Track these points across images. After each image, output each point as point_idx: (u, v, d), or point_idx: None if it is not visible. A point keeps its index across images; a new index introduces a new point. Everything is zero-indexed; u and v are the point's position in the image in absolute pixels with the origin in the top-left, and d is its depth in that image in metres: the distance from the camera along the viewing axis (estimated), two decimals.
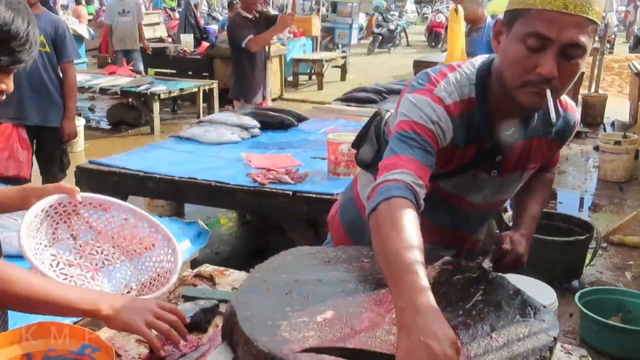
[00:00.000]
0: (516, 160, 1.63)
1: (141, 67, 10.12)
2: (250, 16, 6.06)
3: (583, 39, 1.36)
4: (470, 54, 5.45)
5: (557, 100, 1.60)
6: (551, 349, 1.27)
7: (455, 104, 1.50)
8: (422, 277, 1.17)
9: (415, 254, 1.21)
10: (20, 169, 4.27)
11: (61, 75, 4.50)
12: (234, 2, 12.25)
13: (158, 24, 13.81)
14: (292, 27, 12.26)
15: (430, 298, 1.13)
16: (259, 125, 5.06)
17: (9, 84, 1.33)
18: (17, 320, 1.78)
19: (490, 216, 1.93)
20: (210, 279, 1.81)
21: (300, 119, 5.42)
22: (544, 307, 1.41)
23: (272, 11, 6.19)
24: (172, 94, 8.85)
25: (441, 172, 1.58)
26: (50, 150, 4.57)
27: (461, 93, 1.52)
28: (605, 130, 8.81)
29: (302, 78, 13.25)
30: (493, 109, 1.53)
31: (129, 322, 1.31)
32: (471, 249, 1.89)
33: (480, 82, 1.53)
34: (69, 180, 4.43)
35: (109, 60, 10.52)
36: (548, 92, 1.39)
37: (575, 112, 1.70)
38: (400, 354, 1.07)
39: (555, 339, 1.29)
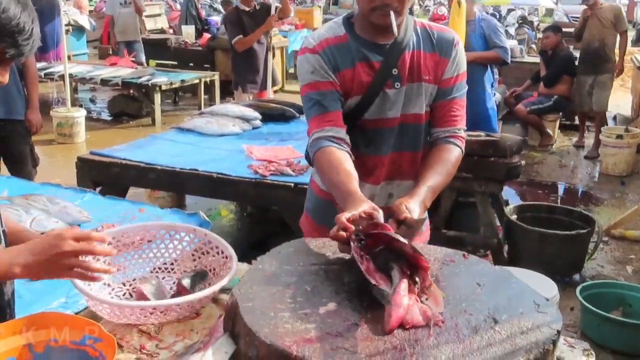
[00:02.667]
0: (409, 70, 1.92)
1: (143, 58, 10.09)
2: (248, 9, 6.05)
3: None
4: (470, 48, 5.41)
5: (429, 26, 1.99)
6: (554, 342, 1.26)
7: (319, 43, 1.90)
8: (351, 188, 1.68)
9: (342, 177, 1.73)
10: None
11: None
12: None
13: (159, 15, 13.77)
14: (293, 19, 12.22)
15: (357, 196, 1.63)
16: (260, 116, 5.05)
17: (5, 76, 1.37)
18: (21, 311, 1.78)
19: (418, 134, 2.01)
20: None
21: (302, 110, 5.40)
22: (547, 300, 1.41)
23: (274, 2, 6.15)
24: (174, 86, 8.84)
25: (360, 102, 1.92)
26: (20, 147, 4.21)
27: (332, 33, 1.93)
28: (607, 124, 8.78)
29: None
30: (363, 35, 1.92)
31: (50, 277, 1.33)
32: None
33: (346, 21, 1.96)
34: (69, 172, 4.42)
35: (111, 52, 10.49)
36: (391, 14, 1.80)
37: (450, 33, 2.00)
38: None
39: (558, 332, 1.29)
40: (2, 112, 4.08)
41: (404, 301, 1.26)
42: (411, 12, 2.12)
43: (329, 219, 1.56)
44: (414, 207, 1.67)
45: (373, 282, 1.32)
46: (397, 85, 1.92)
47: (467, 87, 2.03)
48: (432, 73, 1.95)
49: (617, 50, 7.61)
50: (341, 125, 1.88)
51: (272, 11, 6.11)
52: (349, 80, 1.91)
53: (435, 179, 1.84)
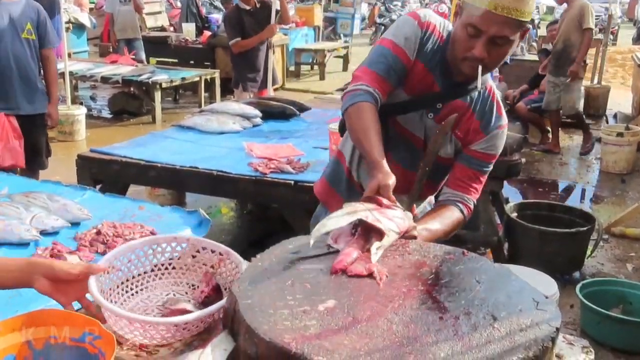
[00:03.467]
0: (449, 114, 1.93)
1: (143, 56, 10.09)
2: (248, 7, 6.04)
3: (507, 33, 1.77)
4: None
5: (495, 97, 2.01)
6: (553, 340, 1.26)
7: (431, 23, 1.93)
8: (378, 142, 1.78)
9: (373, 132, 1.80)
10: (17, 158, 4.26)
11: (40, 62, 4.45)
12: None
13: (160, 12, 13.75)
14: (294, 17, 12.21)
15: (380, 155, 1.74)
16: (260, 114, 5.04)
17: None
18: (20, 308, 1.78)
19: (440, 172, 2.06)
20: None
21: (302, 108, 5.40)
22: (546, 297, 1.41)
23: (275, 4, 6.12)
24: (174, 83, 8.84)
25: (400, 102, 1.96)
26: (37, 139, 4.53)
27: (441, 26, 1.94)
28: (607, 122, 8.79)
29: (304, 68, 13.20)
30: (449, 57, 1.92)
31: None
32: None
33: (450, 33, 1.94)
34: (69, 170, 4.43)
35: (111, 49, 10.48)
36: (479, 69, 1.84)
37: (503, 116, 2.02)
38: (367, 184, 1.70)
39: (557, 329, 1.29)
40: (29, 108, 4.37)
41: (352, 253, 1.45)
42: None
43: (339, 183, 2.10)
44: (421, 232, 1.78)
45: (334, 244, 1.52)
46: (430, 116, 1.98)
47: (491, 168, 2.08)
48: (464, 133, 1.99)
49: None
50: (384, 95, 1.91)
51: (273, 14, 6.08)
52: (417, 73, 1.94)
53: (434, 225, 1.90)
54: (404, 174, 1.90)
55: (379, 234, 1.53)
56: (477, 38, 1.79)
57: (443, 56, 1.94)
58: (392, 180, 1.67)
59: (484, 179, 2.07)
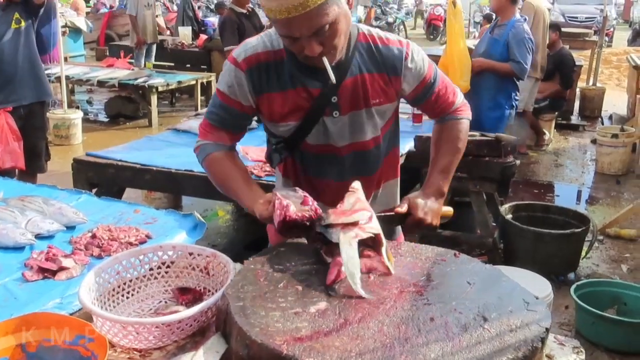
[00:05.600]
0: (353, 98, 1.80)
1: (151, 60, 10.12)
2: (244, 11, 6.03)
3: (316, 23, 1.58)
4: (488, 54, 5.22)
5: (373, 39, 1.82)
6: (543, 340, 1.27)
7: (247, 59, 1.76)
8: (246, 184, 1.84)
9: (236, 177, 1.85)
10: (17, 160, 4.27)
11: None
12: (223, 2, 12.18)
13: (156, 16, 13.76)
14: None
15: (253, 189, 1.81)
16: (255, 117, 5.03)
17: None
18: (16, 311, 1.79)
19: (370, 160, 1.92)
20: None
21: None
22: (537, 298, 1.42)
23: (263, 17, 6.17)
24: (170, 87, 8.84)
25: (299, 128, 1.82)
26: (37, 141, 4.53)
27: (266, 46, 1.77)
28: (603, 124, 8.81)
29: None
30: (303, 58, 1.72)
31: None
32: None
33: None
34: (66, 174, 4.44)
35: (134, 50, 10.31)
36: (325, 61, 1.66)
37: (396, 46, 1.83)
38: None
39: (547, 329, 1.30)
40: (33, 96, 4.39)
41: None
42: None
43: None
44: (420, 202, 1.83)
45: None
46: (336, 113, 1.81)
47: (439, 72, 1.92)
48: (384, 94, 1.84)
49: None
50: (227, 142, 1.89)
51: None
52: (280, 103, 1.80)
53: (443, 161, 1.93)
54: (336, 187, 1.84)
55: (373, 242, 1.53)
56: (299, 40, 1.63)
57: (293, 65, 1.76)
58: (266, 212, 1.64)
59: (442, 85, 1.91)
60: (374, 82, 1.82)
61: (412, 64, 1.83)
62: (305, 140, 1.85)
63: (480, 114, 4.87)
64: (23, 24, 4.28)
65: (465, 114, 1.98)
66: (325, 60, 1.66)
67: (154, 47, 10.28)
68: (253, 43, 1.80)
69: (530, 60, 5.14)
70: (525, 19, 5.34)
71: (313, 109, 1.80)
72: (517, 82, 5.28)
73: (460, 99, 1.98)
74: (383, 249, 1.50)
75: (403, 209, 1.81)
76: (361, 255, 1.47)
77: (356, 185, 1.67)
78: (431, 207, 1.85)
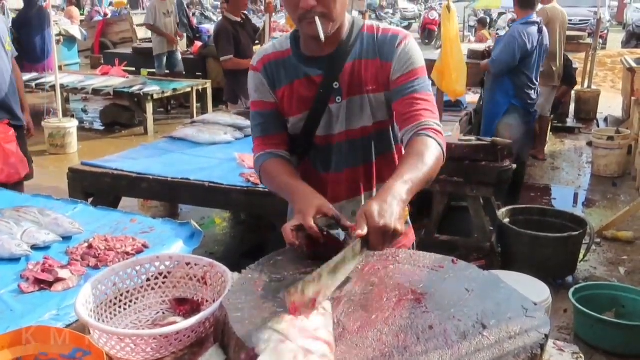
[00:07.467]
0: (350, 83, 1.86)
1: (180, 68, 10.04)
2: (238, 19, 6.03)
3: None
4: (493, 54, 5.63)
5: (377, 30, 1.88)
6: (542, 347, 1.27)
7: (260, 59, 1.92)
8: (296, 184, 1.79)
9: (289, 181, 1.81)
10: (26, 167, 4.19)
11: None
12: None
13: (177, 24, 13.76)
14: (285, 26, 12.24)
15: (306, 189, 1.75)
16: None
17: None
18: (12, 324, 1.78)
19: (363, 148, 1.93)
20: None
21: None
22: (535, 304, 1.41)
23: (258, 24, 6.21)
24: (165, 95, 8.83)
25: (308, 119, 1.89)
26: (25, 149, 4.35)
27: (274, 48, 1.93)
28: (598, 126, 8.83)
29: None
30: (305, 50, 1.89)
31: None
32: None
33: (292, 36, 1.93)
34: (61, 183, 4.41)
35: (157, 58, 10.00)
36: (316, 19, 1.72)
37: (394, 33, 1.87)
38: None
39: (546, 336, 1.29)
40: (20, 119, 4.23)
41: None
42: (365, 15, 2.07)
43: None
44: (375, 208, 1.47)
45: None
46: (339, 99, 1.86)
47: (429, 85, 1.87)
48: (376, 81, 1.86)
49: None
50: (283, 147, 1.93)
51: (266, 32, 6.17)
52: (287, 98, 1.89)
53: (406, 170, 1.61)
54: (349, 174, 1.93)
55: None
56: None
57: (296, 58, 1.89)
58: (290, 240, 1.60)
59: (426, 96, 1.82)
60: (368, 68, 1.86)
61: (403, 52, 1.83)
62: (316, 132, 1.92)
63: (487, 113, 5.62)
64: (9, 48, 4.19)
65: (437, 136, 1.75)
66: (317, 19, 1.72)
67: (178, 54, 10.05)
68: (264, 48, 1.98)
69: (507, 57, 5.38)
70: (539, 21, 5.52)
71: (318, 96, 1.87)
72: (520, 79, 5.44)
73: (433, 122, 1.78)
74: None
75: (364, 231, 1.45)
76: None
77: (327, 306, 1.34)
78: (389, 210, 1.48)
